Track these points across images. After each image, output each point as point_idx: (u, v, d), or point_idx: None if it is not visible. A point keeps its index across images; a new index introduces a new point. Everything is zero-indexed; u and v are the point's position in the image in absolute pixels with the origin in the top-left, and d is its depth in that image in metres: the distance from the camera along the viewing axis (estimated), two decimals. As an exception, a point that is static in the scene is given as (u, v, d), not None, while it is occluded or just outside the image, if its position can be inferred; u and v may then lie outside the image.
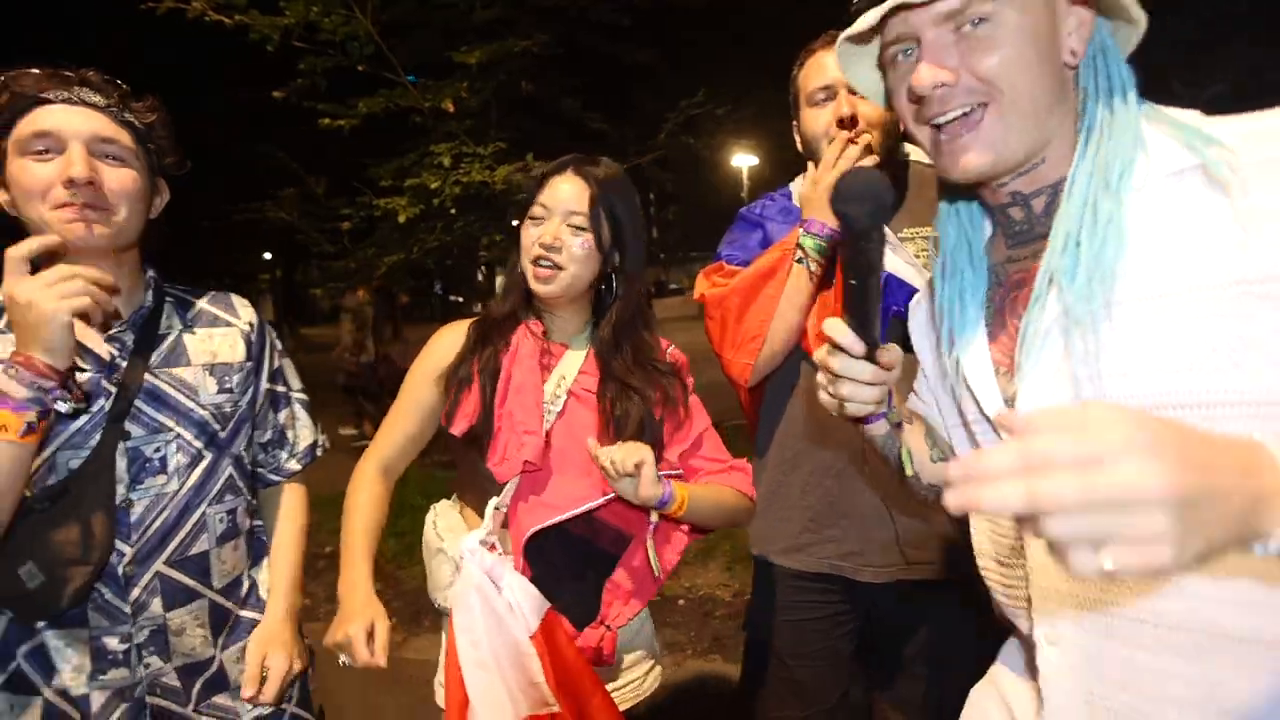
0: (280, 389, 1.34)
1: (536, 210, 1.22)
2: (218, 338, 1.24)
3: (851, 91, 1.36)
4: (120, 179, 1.08)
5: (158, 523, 1.12)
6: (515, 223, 1.31)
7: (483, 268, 5.94)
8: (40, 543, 1.01)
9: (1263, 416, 0.59)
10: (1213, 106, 0.73)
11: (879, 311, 0.76)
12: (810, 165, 1.47)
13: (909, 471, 0.92)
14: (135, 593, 1.10)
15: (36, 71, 1.05)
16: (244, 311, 1.30)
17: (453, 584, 1.17)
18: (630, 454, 1.06)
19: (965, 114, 0.71)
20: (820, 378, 0.83)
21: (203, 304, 1.27)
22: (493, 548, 1.17)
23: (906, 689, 1.46)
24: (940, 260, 0.87)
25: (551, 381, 1.24)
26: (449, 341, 1.29)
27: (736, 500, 1.29)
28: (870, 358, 0.77)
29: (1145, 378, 0.63)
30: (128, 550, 1.09)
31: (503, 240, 5.01)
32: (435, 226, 4.92)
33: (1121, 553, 0.41)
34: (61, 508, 1.03)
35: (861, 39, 0.79)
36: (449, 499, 1.33)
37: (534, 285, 1.21)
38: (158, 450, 1.12)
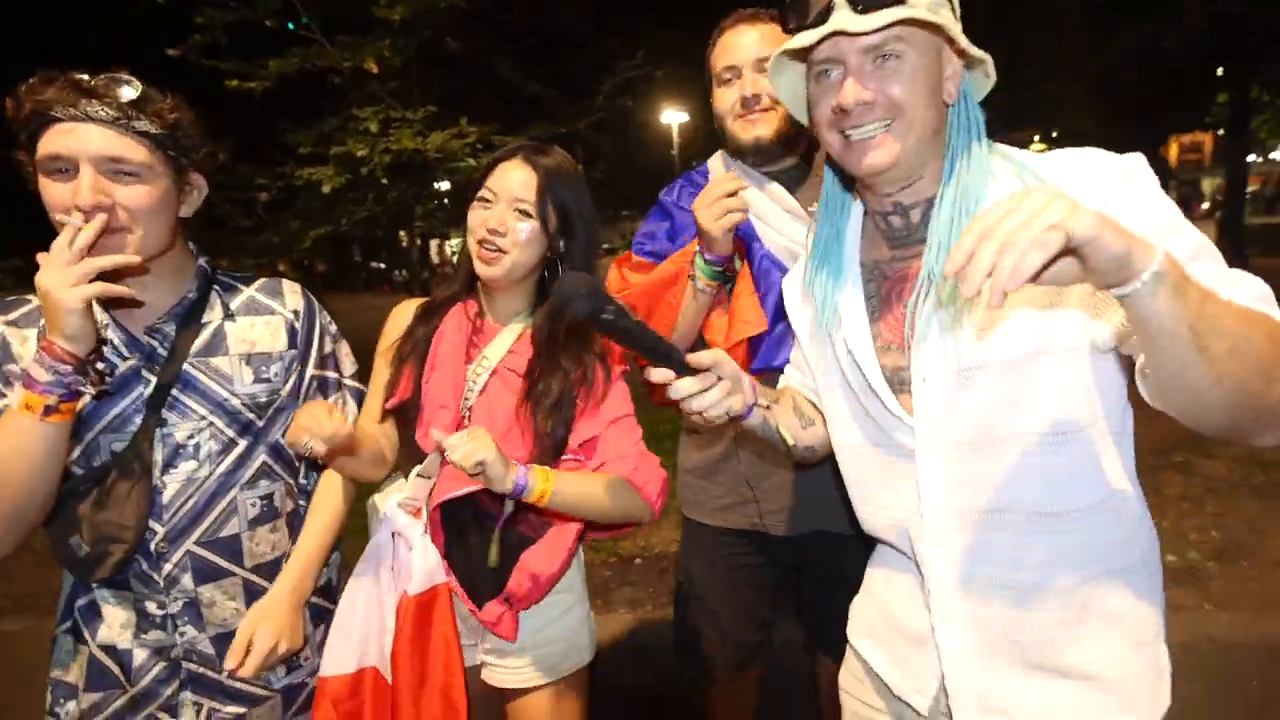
0: (331, 375, 1.34)
1: (485, 194, 1.25)
2: (259, 326, 1.27)
3: (758, 70, 1.45)
4: (134, 197, 1.08)
5: (188, 505, 1.19)
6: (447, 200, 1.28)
7: (418, 239, 5.67)
8: (85, 519, 1.14)
9: (1075, 353, 0.87)
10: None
11: (660, 342, 0.93)
12: (722, 151, 1.58)
13: (790, 444, 1.08)
14: (167, 568, 1.18)
15: (49, 86, 1.05)
16: (291, 299, 1.31)
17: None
18: (474, 447, 1.09)
19: (884, 127, 0.91)
20: (683, 409, 0.96)
21: (250, 291, 1.29)
22: (416, 513, 1.24)
23: (835, 635, 1.54)
24: (815, 247, 1.07)
25: (475, 361, 1.29)
26: (402, 319, 1.35)
27: (619, 492, 1.24)
28: (686, 371, 0.92)
29: (993, 342, 0.90)
30: (159, 529, 1.17)
31: (435, 208, 4.78)
32: (365, 197, 4.63)
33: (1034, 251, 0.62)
34: (104, 488, 1.14)
35: (796, 55, 0.96)
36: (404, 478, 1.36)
37: (478, 267, 1.25)
38: (191, 437, 1.19)
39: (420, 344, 1.29)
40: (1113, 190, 0.85)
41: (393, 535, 1.25)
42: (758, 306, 1.43)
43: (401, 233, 5.35)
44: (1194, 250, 0.81)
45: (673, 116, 16.46)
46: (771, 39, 1.46)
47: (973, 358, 0.90)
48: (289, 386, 1.28)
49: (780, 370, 1.29)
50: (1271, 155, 29.95)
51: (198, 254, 1.26)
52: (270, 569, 1.27)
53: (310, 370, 1.31)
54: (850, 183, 1.04)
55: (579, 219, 1.27)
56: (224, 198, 5.22)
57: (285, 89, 4.51)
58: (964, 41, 0.90)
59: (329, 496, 1.34)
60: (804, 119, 1.04)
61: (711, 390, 0.93)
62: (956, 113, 0.94)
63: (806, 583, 1.61)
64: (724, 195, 1.33)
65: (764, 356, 1.46)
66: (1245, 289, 0.79)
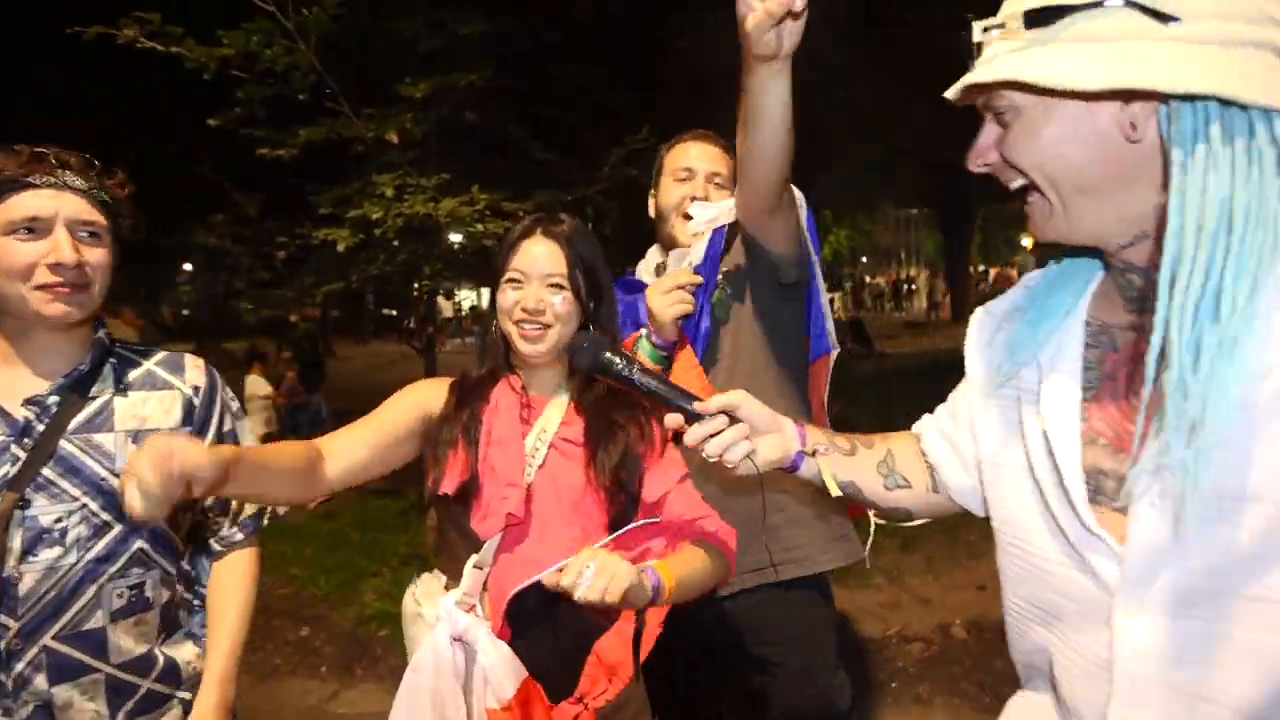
0: None
1: (514, 275, 1.23)
2: (152, 402, 1.20)
3: (710, 181, 1.64)
4: (97, 256, 1.14)
5: (49, 596, 1.08)
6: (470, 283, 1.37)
7: (425, 293, 5.90)
8: None
9: None
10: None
11: (668, 388, 0.99)
12: (657, 245, 1.75)
13: (834, 490, 0.97)
14: (18, 667, 1.07)
15: (20, 155, 1.11)
16: (192, 374, 1.26)
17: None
18: (614, 576, 0.98)
19: (1027, 192, 0.75)
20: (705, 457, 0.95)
21: (149, 365, 1.24)
22: (471, 609, 1.13)
23: (753, 687, 1.58)
24: (1037, 286, 0.85)
25: (532, 434, 1.23)
26: (431, 390, 1.29)
27: (713, 557, 1.21)
28: (696, 418, 0.94)
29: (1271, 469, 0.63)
30: (12, 624, 1.06)
31: (441, 268, 5.03)
32: (377, 256, 4.88)
33: None
34: None
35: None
36: (430, 571, 1.28)
37: (522, 347, 1.23)
38: (59, 521, 1.09)
39: (472, 422, 1.21)
40: None
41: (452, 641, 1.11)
42: (702, 377, 1.55)
43: (414, 285, 5.57)
44: None
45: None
46: (723, 163, 1.68)
47: (1236, 485, 0.64)
48: None
49: None
50: None
51: (98, 325, 1.22)
52: (138, 664, 1.17)
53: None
54: None
55: (604, 280, 1.28)
56: (248, 251, 5.53)
57: (311, 155, 4.84)
58: (1045, 78, 0.66)
59: (233, 587, 1.28)
60: None
61: (726, 433, 0.90)
62: (1176, 150, 0.66)
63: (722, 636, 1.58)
64: (679, 287, 1.49)
65: None
66: None
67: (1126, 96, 0.67)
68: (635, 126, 5.34)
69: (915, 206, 26.97)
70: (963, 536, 4.02)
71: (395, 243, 4.73)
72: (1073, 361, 0.78)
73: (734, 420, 0.94)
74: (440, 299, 7.80)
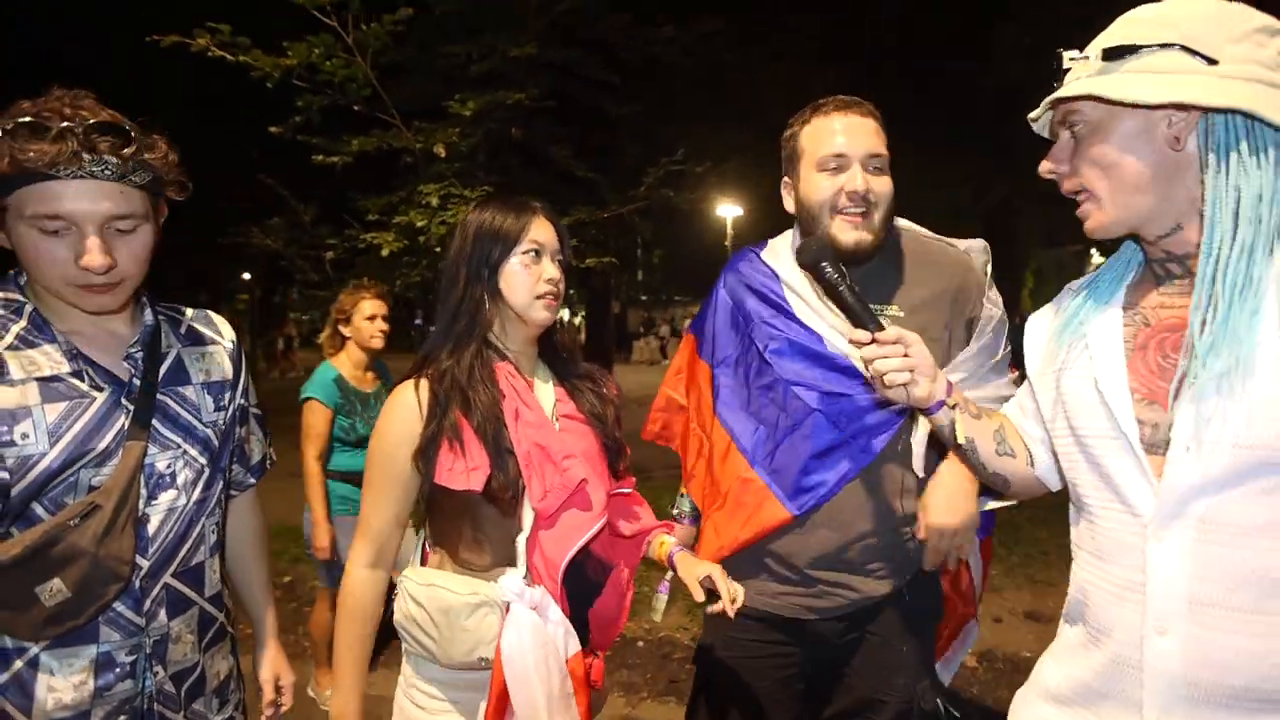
0: (245, 403, 1.37)
1: (530, 248, 1.27)
2: (209, 356, 1.28)
3: (873, 166, 1.38)
4: (132, 248, 1.08)
5: (170, 535, 1.16)
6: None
7: None
8: (72, 560, 1.02)
9: None
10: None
11: (865, 307, 1.12)
12: (794, 234, 1.53)
13: (961, 439, 1.13)
14: (147, 604, 1.13)
15: (42, 140, 0.96)
16: (225, 330, 1.34)
17: (501, 631, 1.17)
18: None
19: (1084, 196, 0.94)
20: (870, 374, 1.12)
21: (191, 322, 1.30)
22: (528, 585, 1.20)
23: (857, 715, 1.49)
24: (1087, 286, 1.06)
25: (546, 411, 1.31)
26: (406, 407, 1.24)
27: None
28: (875, 341, 1.09)
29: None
30: (144, 564, 1.13)
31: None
32: (419, 262, 5.04)
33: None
34: (93, 524, 1.04)
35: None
36: (415, 567, 1.31)
37: (541, 314, 1.28)
38: (169, 466, 1.17)
39: (490, 411, 1.22)
40: None
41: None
42: (680, 372, 1.66)
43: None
44: None
45: (727, 210, 17.10)
46: (879, 137, 1.40)
47: (1253, 435, 0.80)
48: (232, 413, 1.30)
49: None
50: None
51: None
52: (216, 600, 1.26)
53: (238, 398, 1.32)
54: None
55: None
56: (299, 254, 5.76)
57: (362, 164, 5.06)
58: (1116, 93, 0.86)
59: (260, 527, 1.44)
60: None
61: (894, 359, 1.07)
62: (1212, 158, 0.86)
63: (821, 665, 1.52)
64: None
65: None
66: None
67: (1177, 109, 0.87)
68: (673, 148, 5.45)
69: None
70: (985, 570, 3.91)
71: (438, 249, 4.88)
72: (1115, 334, 0.96)
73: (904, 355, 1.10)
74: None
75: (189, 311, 1.32)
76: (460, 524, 1.25)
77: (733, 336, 1.57)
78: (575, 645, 1.22)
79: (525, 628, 1.15)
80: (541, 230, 1.29)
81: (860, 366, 1.32)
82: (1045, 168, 0.97)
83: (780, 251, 1.57)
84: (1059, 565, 4.31)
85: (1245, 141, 0.84)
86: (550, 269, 1.29)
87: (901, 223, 1.55)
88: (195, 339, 1.28)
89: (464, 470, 1.19)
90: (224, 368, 1.29)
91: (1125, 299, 0.99)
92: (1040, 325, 1.13)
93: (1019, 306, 19.82)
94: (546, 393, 1.34)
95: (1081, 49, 0.95)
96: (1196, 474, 0.83)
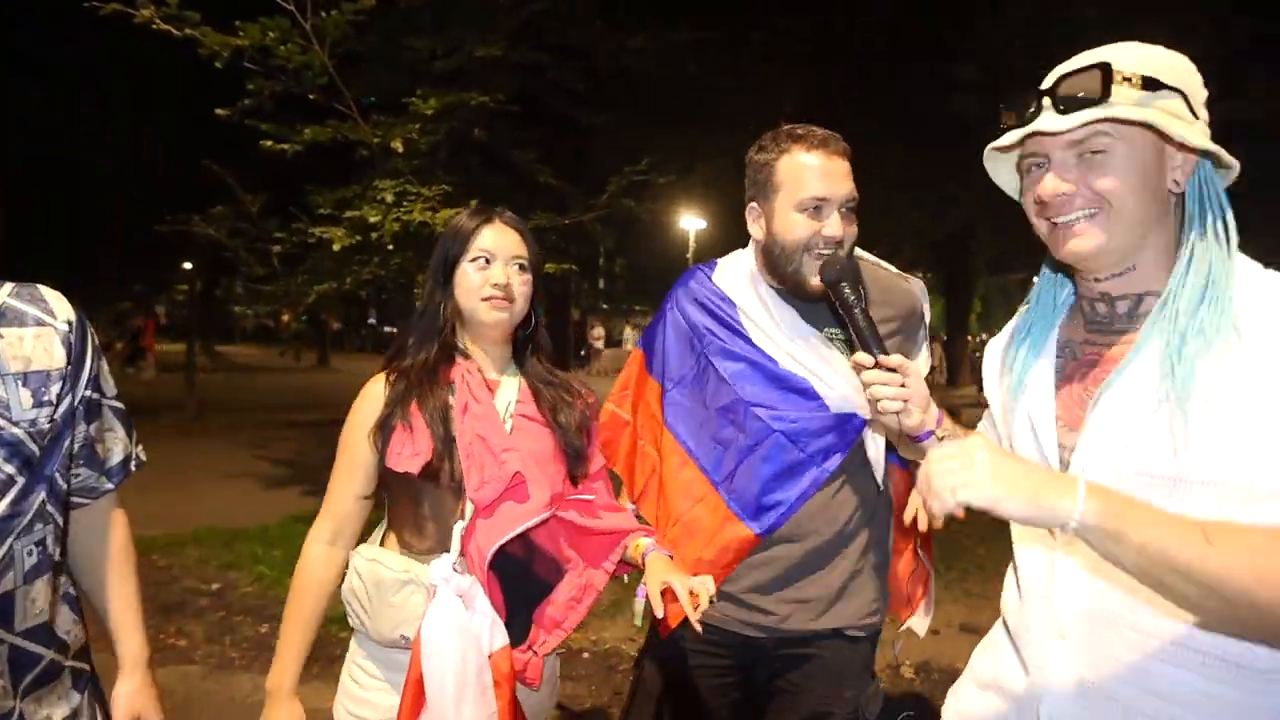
0: (95, 395, 1.16)
1: (478, 255, 1.33)
2: (29, 340, 1.06)
3: (846, 208, 1.38)
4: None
5: None
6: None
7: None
8: None
9: (1231, 490, 0.82)
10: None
11: (872, 331, 1.14)
12: (751, 258, 1.51)
13: None
14: None
15: None
16: (60, 307, 1.11)
17: (425, 613, 1.21)
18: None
19: (1087, 216, 0.93)
20: (866, 397, 1.15)
21: (8, 299, 1.07)
22: (458, 573, 1.23)
23: None
24: (1023, 320, 1.12)
25: (500, 409, 1.34)
26: (373, 397, 1.34)
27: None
28: (878, 365, 1.11)
29: (1182, 458, 0.85)
30: None
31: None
32: (370, 259, 4.87)
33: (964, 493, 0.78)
34: None
35: (1002, 150, 1.02)
36: (367, 545, 1.37)
37: (490, 317, 1.33)
38: None
39: (437, 403, 1.28)
40: None
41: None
42: (627, 384, 1.65)
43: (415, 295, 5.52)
44: None
45: (690, 223, 17.21)
46: (853, 181, 1.40)
47: (1146, 466, 0.87)
48: (64, 409, 1.09)
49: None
50: None
51: None
52: (39, 633, 1.06)
53: (81, 390, 1.13)
54: (1067, 265, 1.03)
55: (539, 272, 1.41)
56: (243, 245, 5.51)
57: (316, 156, 4.87)
58: (1179, 133, 0.87)
59: (125, 542, 1.24)
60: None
61: (891, 387, 1.10)
62: (1192, 205, 0.92)
63: (757, 683, 1.54)
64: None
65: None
66: None
67: (1187, 153, 0.91)
68: (638, 157, 5.41)
69: (923, 270, 27.38)
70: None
71: (390, 247, 4.72)
72: (1047, 367, 1.04)
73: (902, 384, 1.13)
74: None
75: (7, 286, 1.09)
76: (407, 507, 1.31)
77: (687, 357, 1.57)
78: (502, 639, 1.23)
79: (446, 612, 1.18)
80: (493, 236, 1.34)
81: (842, 391, 1.40)
82: (1052, 189, 0.95)
83: (731, 273, 1.56)
84: (995, 580, 4.40)
85: (1218, 197, 0.93)
86: (498, 274, 1.32)
87: (858, 252, 1.58)
88: (15, 320, 1.06)
89: (410, 455, 1.25)
90: (52, 354, 1.07)
91: (1059, 334, 1.07)
92: (990, 356, 1.21)
93: (967, 329, 20.59)
94: (509, 391, 1.38)
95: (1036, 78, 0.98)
96: None
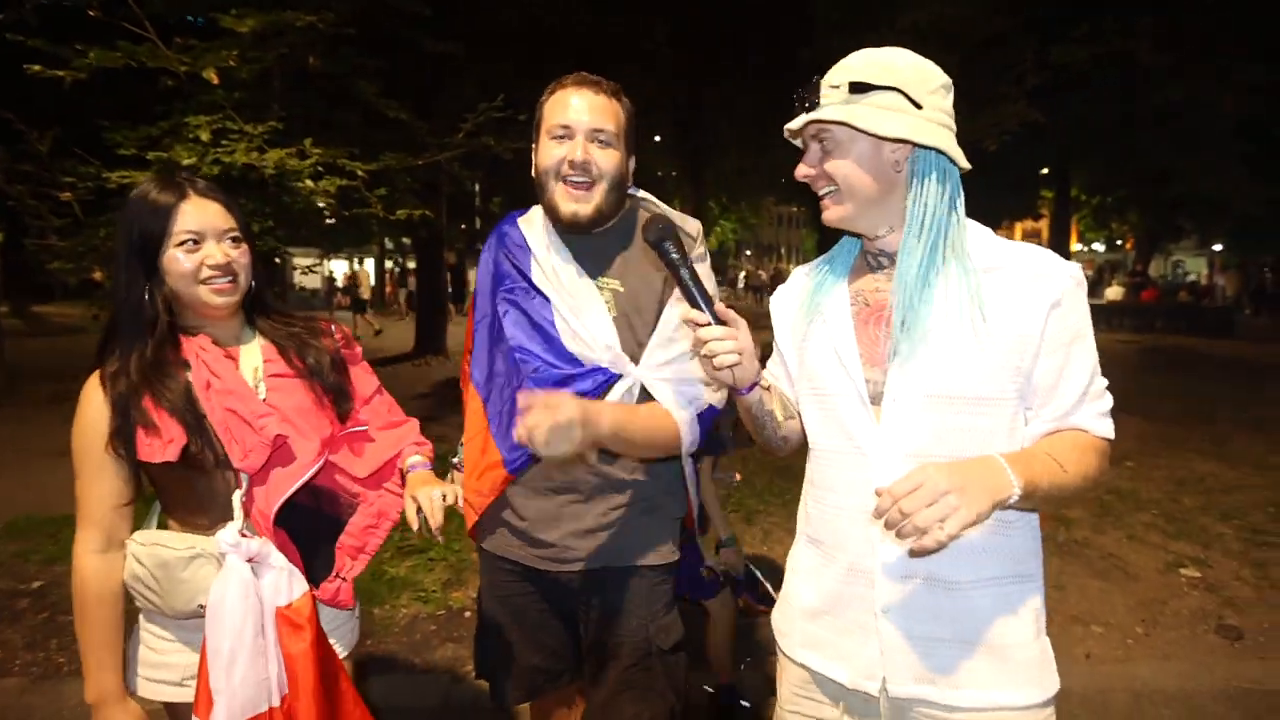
0: None
1: (184, 237, 1.28)
2: None
3: (599, 140, 1.46)
4: None
5: None
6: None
7: (276, 259, 5.29)
8: None
9: (1009, 404, 1.09)
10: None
11: (701, 292, 1.16)
12: (542, 210, 1.56)
13: (779, 416, 1.29)
14: None
15: None
16: None
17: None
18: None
19: (831, 194, 1.18)
20: (699, 357, 1.18)
21: None
22: (246, 537, 1.26)
23: (615, 672, 1.55)
24: (819, 270, 1.30)
25: (247, 376, 1.34)
26: (98, 403, 1.28)
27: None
28: (715, 320, 1.15)
29: (953, 378, 1.09)
30: None
31: (273, 226, 4.51)
32: (189, 207, 4.30)
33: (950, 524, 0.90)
34: None
35: (794, 134, 1.23)
36: (142, 530, 1.34)
37: (215, 300, 1.31)
38: None
39: (175, 387, 1.27)
40: (1064, 292, 1.09)
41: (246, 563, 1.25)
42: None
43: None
44: (1084, 384, 1.09)
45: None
46: (609, 115, 1.47)
47: (937, 387, 1.10)
48: None
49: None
50: (1093, 245, 35.71)
51: None
52: None
53: None
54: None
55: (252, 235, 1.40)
56: (28, 192, 4.69)
57: (112, 86, 4.17)
58: (868, 126, 1.10)
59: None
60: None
61: (728, 341, 1.14)
62: (914, 182, 1.14)
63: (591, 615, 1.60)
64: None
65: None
66: (1088, 416, 1.10)
67: (898, 141, 1.13)
68: (496, 95, 5.07)
69: (795, 204, 28.32)
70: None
71: (210, 193, 4.17)
72: (844, 311, 1.23)
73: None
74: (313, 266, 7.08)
75: None
76: (179, 492, 1.32)
77: (488, 297, 1.61)
78: (301, 587, 1.30)
79: (231, 579, 1.23)
80: (195, 214, 1.28)
81: (598, 346, 1.45)
82: (801, 171, 1.21)
83: (534, 220, 1.61)
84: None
85: (935, 172, 1.13)
86: (214, 253, 1.28)
87: (645, 199, 1.63)
88: None
89: (161, 445, 1.24)
90: None
91: (850, 283, 1.25)
92: (783, 302, 1.36)
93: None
94: (252, 356, 1.38)
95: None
96: (903, 418, 1.12)
